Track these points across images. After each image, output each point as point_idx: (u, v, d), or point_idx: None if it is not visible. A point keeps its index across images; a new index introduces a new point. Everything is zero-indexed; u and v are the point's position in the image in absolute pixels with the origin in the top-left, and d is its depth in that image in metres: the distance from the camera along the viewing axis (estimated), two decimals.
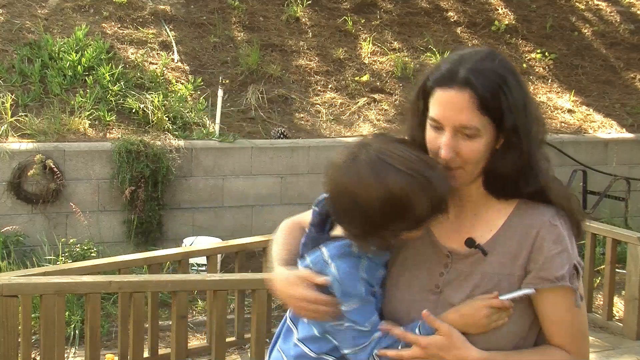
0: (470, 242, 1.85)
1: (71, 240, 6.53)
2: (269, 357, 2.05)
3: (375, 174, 1.74)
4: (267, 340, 5.26)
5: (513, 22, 10.76)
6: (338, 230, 1.89)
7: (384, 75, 9.22)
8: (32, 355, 4.54)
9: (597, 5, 11.70)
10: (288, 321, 2.01)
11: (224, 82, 8.11)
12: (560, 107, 9.58)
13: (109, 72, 7.83)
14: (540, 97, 9.68)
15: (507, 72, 1.79)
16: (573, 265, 1.82)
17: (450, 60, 1.81)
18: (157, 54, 8.55)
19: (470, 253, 1.85)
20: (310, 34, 9.53)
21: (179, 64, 8.55)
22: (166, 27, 8.91)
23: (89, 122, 7.40)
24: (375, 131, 8.31)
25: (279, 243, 2.04)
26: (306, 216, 2.07)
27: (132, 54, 8.38)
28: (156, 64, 8.36)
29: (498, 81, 1.76)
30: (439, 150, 1.80)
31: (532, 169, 1.82)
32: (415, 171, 1.74)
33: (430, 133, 1.82)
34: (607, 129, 9.36)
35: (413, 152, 1.79)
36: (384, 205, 1.74)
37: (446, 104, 1.77)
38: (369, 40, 9.55)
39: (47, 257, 6.44)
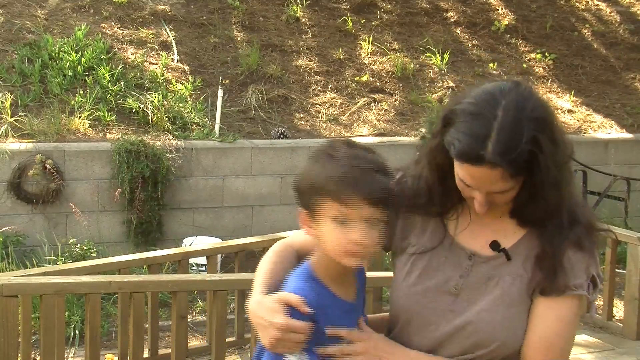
0: (495, 246, 1.81)
1: (71, 241, 6.53)
2: None
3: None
4: None
5: (513, 22, 10.76)
6: None
7: (384, 75, 9.21)
8: (32, 355, 4.54)
9: (597, 5, 11.70)
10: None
11: (224, 82, 8.10)
12: (560, 107, 9.57)
13: (108, 72, 7.83)
14: None
15: (537, 127, 1.68)
16: (591, 276, 1.77)
17: (472, 132, 1.68)
18: (157, 54, 8.55)
19: (493, 256, 1.82)
20: (310, 34, 9.53)
21: (179, 64, 8.55)
22: (166, 27, 8.90)
23: (89, 122, 7.39)
24: (375, 131, 8.32)
25: (263, 267, 1.85)
26: (298, 236, 1.93)
27: (132, 54, 8.38)
28: (156, 64, 8.36)
29: (528, 148, 1.66)
30: (471, 198, 1.79)
31: (559, 206, 1.77)
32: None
33: (460, 183, 1.77)
34: (607, 129, 9.36)
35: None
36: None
37: (477, 178, 1.71)
38: (369, 41, 9.54)
39: (47, 257, 6.44)
